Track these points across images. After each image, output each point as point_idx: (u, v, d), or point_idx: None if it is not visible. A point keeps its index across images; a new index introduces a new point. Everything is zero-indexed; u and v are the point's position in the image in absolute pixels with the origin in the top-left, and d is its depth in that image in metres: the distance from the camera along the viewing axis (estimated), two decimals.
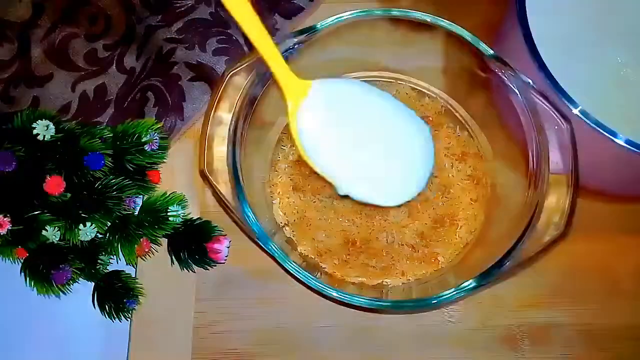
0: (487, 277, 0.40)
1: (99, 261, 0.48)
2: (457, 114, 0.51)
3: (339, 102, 0.42)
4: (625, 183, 0.49)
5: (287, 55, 0.44)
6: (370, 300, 0.40)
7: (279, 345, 0.48)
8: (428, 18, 0.45)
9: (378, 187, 0.43)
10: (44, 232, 0.44)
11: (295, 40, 0.44)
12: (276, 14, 0.56)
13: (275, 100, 0.47)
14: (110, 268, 0.49)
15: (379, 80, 0.52)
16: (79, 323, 0.51)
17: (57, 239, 0.45)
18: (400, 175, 0.43)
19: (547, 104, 0.42)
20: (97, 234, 0.45)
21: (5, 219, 0.43)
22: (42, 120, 0.44)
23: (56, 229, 0.44)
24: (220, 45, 0.55)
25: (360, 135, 0.42)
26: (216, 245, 0.47)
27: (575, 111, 0.41)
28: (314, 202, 0.49)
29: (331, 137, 0.42)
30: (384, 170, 0.43)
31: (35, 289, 0.46)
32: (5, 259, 0.46)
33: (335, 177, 0.42)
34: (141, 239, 0.47)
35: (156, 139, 0.47)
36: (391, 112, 0.43)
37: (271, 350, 0.48)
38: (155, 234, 0.47)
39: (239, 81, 0.44)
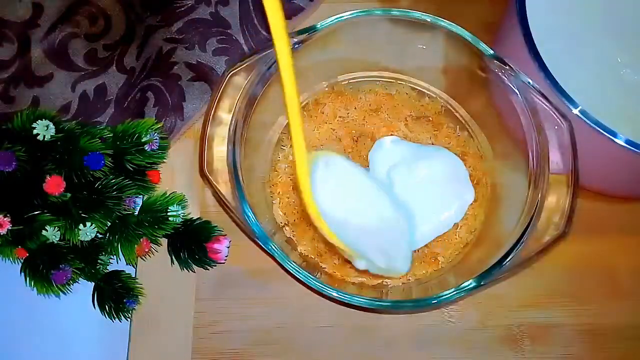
0: (487, 277, 0.40)
1: (99, 261, 0.48)
2: (457, 114, 0.51)
3: (344, 178, 0.44)
4: (625, 183, 0.49)
5: None
6: (370, 300, 0.40)
7: (279, 345, 0.48)
8: (428, 18, 0.45)
9: (389, 259, 0.45)
10: (44, 232, 0.44)
11: (295, 40, 0.44)
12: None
13: (275, 100, 0.47)
14: (110, 268, 0.49)
15: (379, 80, 0.52)
16: (79, 323, 0.51)
17: (57, 239, 0.45)
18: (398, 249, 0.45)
19: (547, 104, 0.42)
20: (97, 234, 0.45)
21: (5, 219, 0.43)
22: (42, 120, 0.44)
23: (56, 229, 0.44)
24: (220, 45, 0.55)
25: (364, 212, 0.44)
26: (216, 245, 0.47)
27: (575, 111, 0.41)
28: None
29: (344, 211, 0.43)
30: (390, 244, 0.45)
31: (35, 289, 0.46)
32: (5, 259, 0.46)
33: (354, 251, 0.43)
34: (141, 239, 0.47)
35: (156, 139, 0.47)
36: (375, 193, 0.45)
37: (271, 350, 0.48)
38: (155, 234, 0.47)
39: (239, 81, 0.44)
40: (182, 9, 0.56)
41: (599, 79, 0.47)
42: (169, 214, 0.47)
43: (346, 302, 0.40)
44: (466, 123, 0.51)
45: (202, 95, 0.54)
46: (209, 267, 0.48)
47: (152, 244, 0.48)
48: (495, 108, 0.48)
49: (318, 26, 0.44)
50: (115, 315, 0.47)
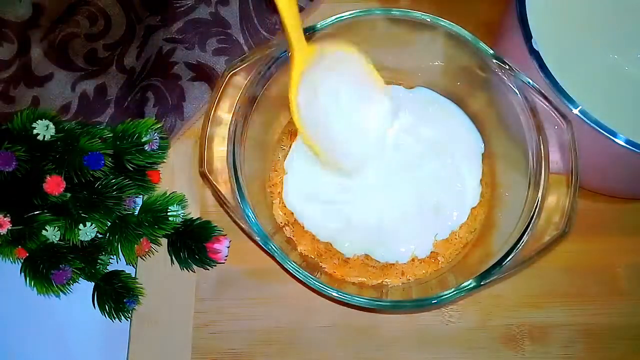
0: (487, 277, 0.40)
1: (99, 261, 0.48)
2: None
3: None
4: (625, 183, 0.49)
5: (287, 55, 0.44)
6: (370, 300, 0.40)
7: (279, 345, 0.48)
8: (428, 18, 0.45)
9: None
10: (44, 232, 0.44)
11: None
12: (276, 14, 0.56)
13: (275, 100, 0.47)
14: (110, 268, 0.49)
15: None
16: (79, 323, 0.51)
17: (57, 239, 0.45)
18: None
19: (547, 104, 0.42)
20: (97, 234, 0.45)
21: (5, 219, 0.43)
22: (42, 120, 0.44)
23: (56, 229, 0.44)
24: (220, 45, 0.55)
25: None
26: (216, 245, 0.47)
27: (575, 111, 0.41)
28: None
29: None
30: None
31: (35, 288, 0.46)
32: (5, 259, 0.46)
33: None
34: (141, 239, 0.47)
35: (156, 139, 0.47)
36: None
37: (271, 350, 0.48)
38: (155, 234, 0.47)
39: (239, 81, 0.44)
40: (182, 9, 0.56)
41: (599, 78, 0.47)
42: (169, 214, 0.47)
43: (346, 302, 0.40)
44: None
45: (202, 95, 0.54)
46: (209, 267, 0.48)
47: (152, 244, 0.48)
48: (495, 108, 0.48)
49: (318, 26, 0.44)
50: (115, 315, 0.47)
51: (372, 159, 0.48)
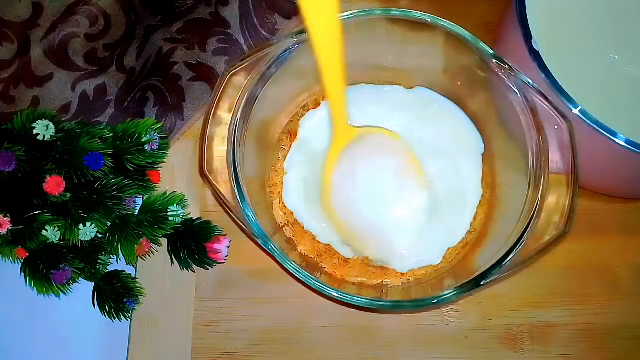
0: (487, 277, 0.40)
1: (99, 261, 0.48)
2: None
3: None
4: (625, 183, 0.49)
5: (287, 55, 0.44)
6: (370, 300, 0.40)
7: (279, 345, 0.48)
8: (428, 18, 0.44)
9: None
10: (44, 232, 0.44)
11: (295, 40, 0.44)
12: (276, 14, 0.56)
13: (275, 100, 0.47)
14: (110, 268, 0.49)
15: (379, 80, 0.52)
16: (79, 323, 0.51)
17: (57, 239, 0.45)
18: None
19: (547, 104, 0.42)
20: (97, 234, 0.45)
21: (5, 218, 0.43)
22: (42, 120, 0.44)
23: (56, 229, 0.44)
24: (220, 45, 0.55)
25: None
26: (216, 245, 0.47)
27: (575, 111, 0.41)
28: None
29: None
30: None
31: (35, 289, 0.46)
32: (5, 259, 0.46)
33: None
34: (141, 239, 0.47)
35: (156, 139, 0.47)
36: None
37: (271, 350, 0.48)
38: (155, 234, 0.47)
39: (239, 81, 0.44)
40: (182, 9, 0.56)
41: (599, 78, 0.47)
42: (169, 214, 0.47)
43: (346, 302, 0.40)
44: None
45: (202, 95, 0.54)
46: (209, 267, 0.48)
47: (152, 244, 0.48)
48: (495, 108, 0.48)
49: None
50: (115, 315, 0.47)
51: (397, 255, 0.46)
